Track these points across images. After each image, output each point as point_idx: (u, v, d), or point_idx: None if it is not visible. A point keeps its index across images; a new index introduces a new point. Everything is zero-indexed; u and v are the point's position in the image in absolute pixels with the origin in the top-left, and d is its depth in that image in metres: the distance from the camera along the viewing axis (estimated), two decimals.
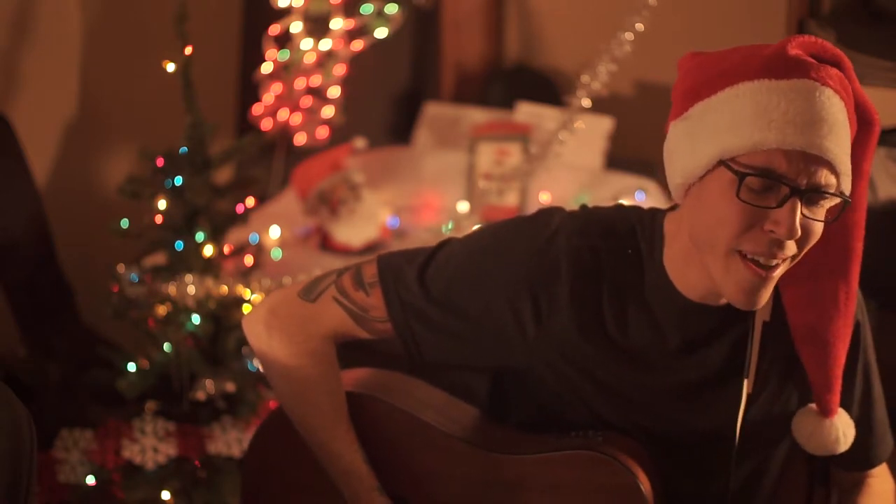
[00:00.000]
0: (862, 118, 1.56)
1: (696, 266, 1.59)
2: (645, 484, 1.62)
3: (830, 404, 1.67)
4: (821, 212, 1.51)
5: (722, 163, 1.50)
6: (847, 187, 1.52)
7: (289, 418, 1.77)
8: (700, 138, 1.52)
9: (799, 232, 1.48)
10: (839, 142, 1.49)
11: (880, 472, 1.79)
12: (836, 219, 1.53)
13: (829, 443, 1.69)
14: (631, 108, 4.00)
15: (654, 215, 1.68)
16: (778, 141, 1.46)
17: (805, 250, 1.53)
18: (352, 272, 1.74)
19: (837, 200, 1.52)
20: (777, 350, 1.67)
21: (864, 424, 1.73)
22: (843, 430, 1.69)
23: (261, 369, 1.82)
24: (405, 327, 1.70)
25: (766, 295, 1.54)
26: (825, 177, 1.48)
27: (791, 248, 1.51)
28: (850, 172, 1.52)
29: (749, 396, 1.66)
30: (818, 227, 1.52)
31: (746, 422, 1.67)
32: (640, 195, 3.63)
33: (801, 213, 1.48)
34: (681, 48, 1.63)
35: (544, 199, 3.62)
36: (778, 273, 1.53)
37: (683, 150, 1.55)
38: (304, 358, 1.73)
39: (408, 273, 1.70)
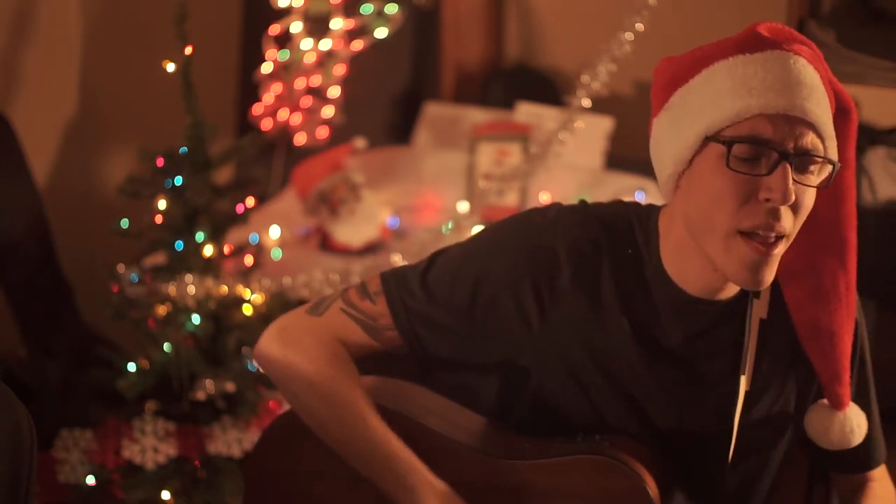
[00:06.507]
0: (839, 107, 1.59)
1: (694, 258, 1.60)
2: (653, 488, 1.61)
3: (842, 396, 1.67)
4: (811, 179, 1.53)
5: (709, 139, 1.52)
6: (833, 153, 1.54)
7: (295, 425, 1.74)
8: (684, 122, 1.55)
9: (793, 196, 1.49)
10: (820, 104, 1.51)
11: (881, 477, 1.79)
12: (829, 184, 1.54)
13: (845, 435, 1.69)
14: (631, 108, 4.00)
15: (650, 211, 1.69)
16: (760, 105, 1.49)
17: (799, 224, 1.54)
18: (357, 286, 1.76)
19: (827, 170, 1.54)
20: (777, 349, 1.68)
21: None
22: (856, 421, 1.69)
23: (281, 392, 1.81)
24: (411, 332, 1.71)
25: (771, 274, 1.54)
26: (811, 140, 1.51)
27: (788, 218, 1.51)
28: (834, 137, 1.54)
29: (750, 396, 1.66)
30: (810, 196, 1.53)
31: (746, 422, 1.67)
32: (639, 195, 3.63)
33: (792, 178, 1.49)
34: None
35: (544, 199, 3.62)
36: (778, 251, 1.53)
37: (669, 138, 1.58)
38: (322, 361, 1.73)
39: (410, 279, 1.71)
